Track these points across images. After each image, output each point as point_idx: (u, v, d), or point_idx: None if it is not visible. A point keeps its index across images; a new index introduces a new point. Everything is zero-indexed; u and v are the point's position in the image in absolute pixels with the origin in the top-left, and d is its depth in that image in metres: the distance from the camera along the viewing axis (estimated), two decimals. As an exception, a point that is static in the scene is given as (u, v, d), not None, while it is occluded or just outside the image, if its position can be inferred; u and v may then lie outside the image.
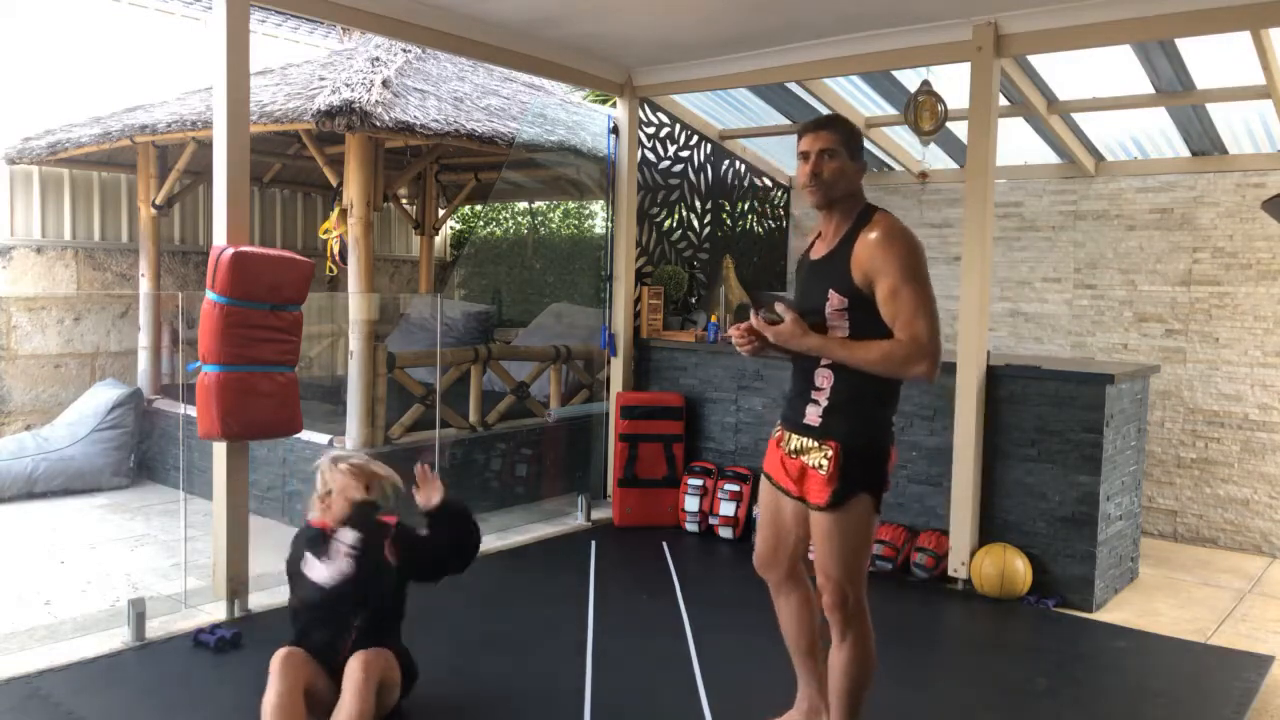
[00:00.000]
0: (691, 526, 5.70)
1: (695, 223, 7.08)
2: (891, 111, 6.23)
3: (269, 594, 4.28)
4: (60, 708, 3.26)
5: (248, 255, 4.04)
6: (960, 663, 4.11)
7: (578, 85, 6.92)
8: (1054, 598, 4.63)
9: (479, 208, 10.29)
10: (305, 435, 5.53)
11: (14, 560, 5.02)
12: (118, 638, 3.87)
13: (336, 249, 5.90)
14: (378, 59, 6.11)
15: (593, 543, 5.40)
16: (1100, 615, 4.56)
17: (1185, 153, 5.99)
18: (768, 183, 7.69)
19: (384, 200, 6.29)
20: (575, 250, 9.33)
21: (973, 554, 4.76)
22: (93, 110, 7.19)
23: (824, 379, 2.74)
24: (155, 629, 3.95)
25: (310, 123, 5.20)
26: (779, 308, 2.75)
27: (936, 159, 6.82)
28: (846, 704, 2.79)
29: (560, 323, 7.51)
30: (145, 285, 7.23)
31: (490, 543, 5.35)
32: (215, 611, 4.18)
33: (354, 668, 2.93)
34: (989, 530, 4.84)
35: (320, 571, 3.12)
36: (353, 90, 5.34)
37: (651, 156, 6.63)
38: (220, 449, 4.28)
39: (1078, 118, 5.88)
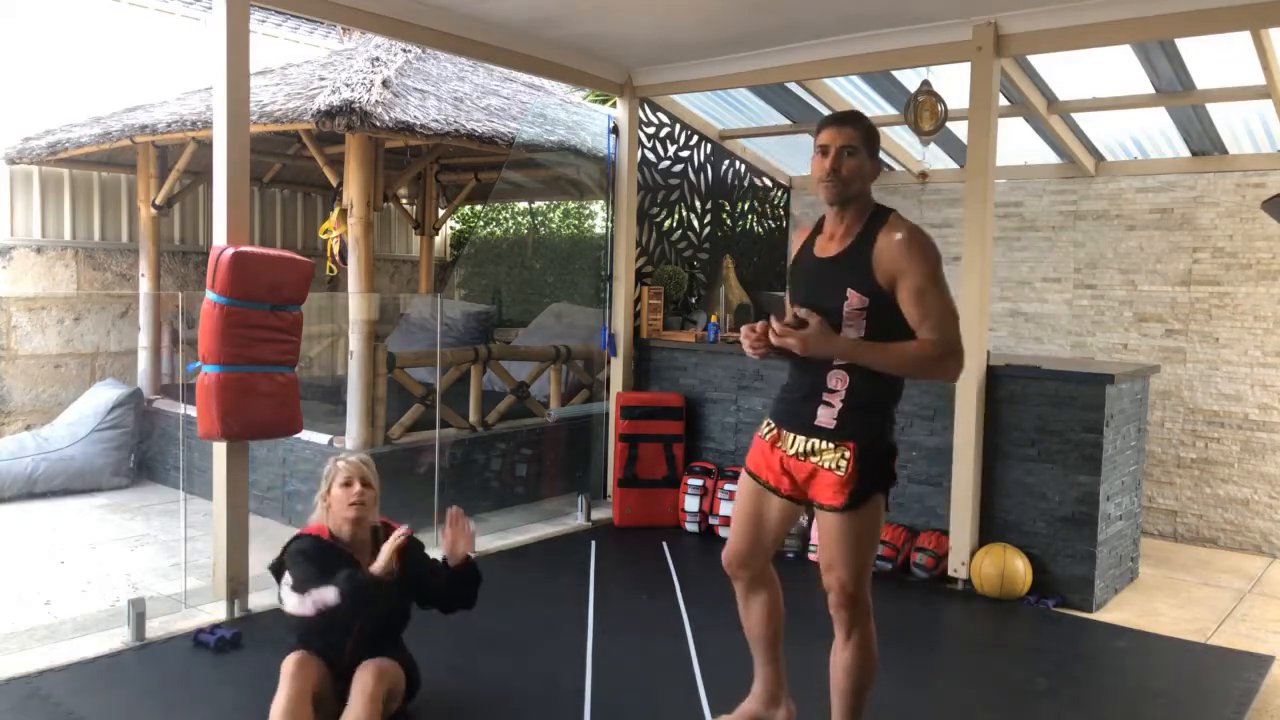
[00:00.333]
0: (691, 526, 5.70)
1: (695, 223, 7.08)
2: (891, 111, 6.23)
3: (269, 594, 4.25)
4: (60, 708, 3.26)
5: (248, 255, 4.04)
6: (960, 663, 4.11)
7: (578, 85, 6.92)
8: (1054, 598, 4.63)
9: (479, 208, 10.29)
10: (305, 435, 5.52)
11: (14, 560, 5.02)
12: (118, 638, 3.86)
13: (336, 249, 5.90)
14: (378, 59, 6.11)
15: (593, 543, 5.40)
16: (1100, 615, 4.56)
17: (1185, 153, 5.99)
18: (768, 183, 7.69)
19: (384, 200, 6.30)
20: (575, 250, 9.34)
21: (973, 554, 4.76)
22: (93, 110, 7.19)
23: (838, 380, 2.71)
24: (155, 629, 3.95)
25: (310, 123, 5.20)
26: (801, 312, 2.69)
27: (936, 159, 6.82)
28: (851, 703, 2.79)
29: (560, 323, 7.51)
30: (145, 285, 7.23)
31: (490, 543, 5.35)
32: (215, 611, 4.18)
33: (366, 675, 2.93)
34: (989, 530, 4.84)
35: (331, 594, 2.98)
36: (353, 90, 5.34)
37: (651, 156, 6.63)
38: (220, 449, 4.28)
39: (1078, 118, 5.88)
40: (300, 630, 3.09)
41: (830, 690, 2.84)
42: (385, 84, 5.65)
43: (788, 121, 6.80)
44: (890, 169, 7.18)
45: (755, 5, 4.74)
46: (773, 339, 2.68)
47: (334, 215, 5.86)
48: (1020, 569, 4.61)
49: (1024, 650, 4.15)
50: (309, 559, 3.06)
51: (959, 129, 5.83)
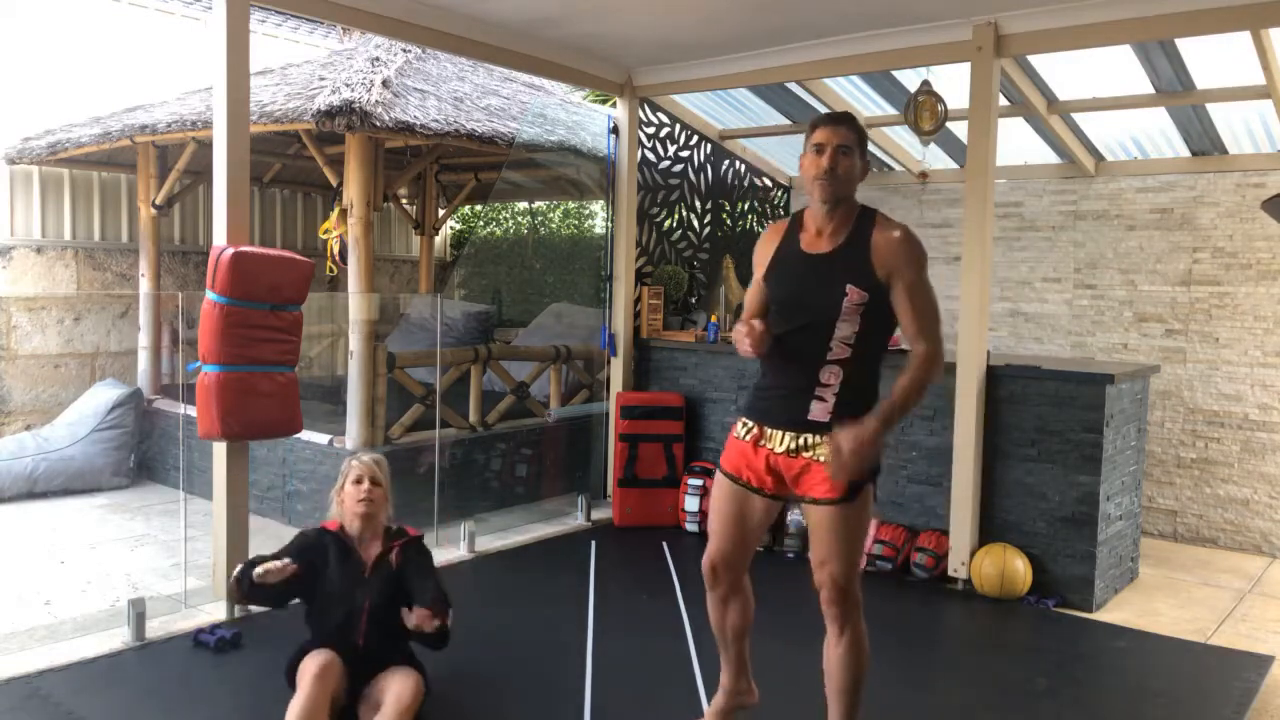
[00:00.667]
0: (691, 526, 5.70)
1: (695, 223, 7.09)
2: (891, 111, 6.23)
3: (269, 594, 4.27)
4: (60, 708, 3.26)
5: (248, 255, 4.04)
6: (960, 663, 4.11)
7: (578, 85, 6.92)
8: (1054, 598, 4.63)
9: (479, 208, 10.29)
10: (305, 435, 5.53)
11: (14, 560, 5.03)
12: (118, 638, 3.86)
13: (336, 249, 5.90)
14: (378, 59, 6.11)
15: (593, 543, 5.39)
16: (1100, 615, 4.56)
17: (1185, 153, 5.99)
18: (768, 183, 7.69)
19: (384, 200, 6.30)
20: (575, 250, 9.34)
21: (973, 554, 4.76)
22: (93, 110, 7.19)
23: (831, 375, 2.74)
24: (155, 629, 3.95)
25: (310, 123, 5.21)
26: (757, 324, 2.74)
27: (936, 159, 6.82)
28: (849, 700, 2.80)
29: (560, 323, 7.51)
30: (145, 285, 7.24)
31: (490, 543, 5.35)
32: (215, 611, 4.18)
33: (403, 687, 3.00)
34: (989, 530, 4.84)
35: (341, 582, 3.17)
36: (353, 90, 5.34)
37: (651, 156, 6.63)
38: (220, 449, 4.28)
39: (1078, 118, 5.88)
40: (313, 617, 3.17)
41: (825, 687, 2.84)
42: (385, 84, 5.65)
43: (788, 121, 6.80)
44: (890, 169, 7.18)
45: (755, 5, 4.74)
46: (829, 465, 2.62)
47: (334, 215, 5.86)
48: (1020, 569, 4.61)
49: (1024, 650, 4.15)
50: (301, 544, 3.23)
51: (959, 129, 5.83)
